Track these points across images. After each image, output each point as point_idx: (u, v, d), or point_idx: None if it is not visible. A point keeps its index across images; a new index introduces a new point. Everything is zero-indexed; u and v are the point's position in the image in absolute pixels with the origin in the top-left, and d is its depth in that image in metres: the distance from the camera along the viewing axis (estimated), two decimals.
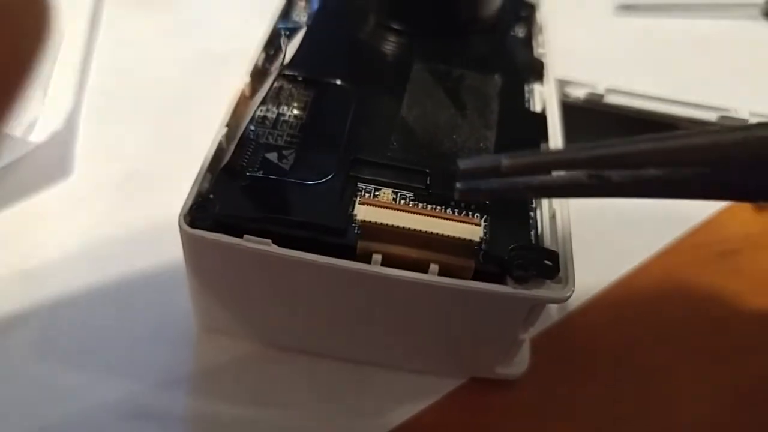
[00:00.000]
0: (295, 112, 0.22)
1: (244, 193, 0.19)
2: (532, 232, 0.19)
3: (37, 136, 0.26)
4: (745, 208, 0.29)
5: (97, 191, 0.27)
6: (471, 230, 0.18)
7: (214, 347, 0.22)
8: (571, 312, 0.24)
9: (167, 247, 0.24)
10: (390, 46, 0.25)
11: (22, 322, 0.22)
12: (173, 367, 0.22)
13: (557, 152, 0.17)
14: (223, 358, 0.22)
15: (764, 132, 0.15)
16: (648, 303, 0.25)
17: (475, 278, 0.18)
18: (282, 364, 0.22)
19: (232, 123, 0.21)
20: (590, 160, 0.16)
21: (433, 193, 0.20)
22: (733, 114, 0.27)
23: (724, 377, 0.23)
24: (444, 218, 0.18)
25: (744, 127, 0.15)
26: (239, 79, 0.22)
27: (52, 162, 0.27)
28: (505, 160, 0.16)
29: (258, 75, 0.23)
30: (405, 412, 0.21)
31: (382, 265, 0.18)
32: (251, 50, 0.23)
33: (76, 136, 0.28)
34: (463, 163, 0.17)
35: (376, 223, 0.18)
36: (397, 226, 0.18)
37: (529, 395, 0.22)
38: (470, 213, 0.20)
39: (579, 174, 0.16)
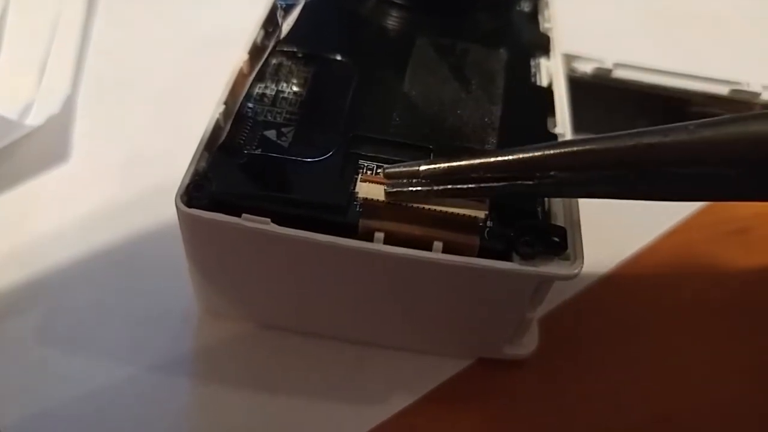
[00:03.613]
0: (295, 88, 0.21)
1: (242, 172, 0.18)
2: (539, 208, 0.19)
3: (34, 120, 0.26)
4: None
5: (96, 174, 0.26)
6: (476, 207, 0.18)
7: (216, 329, 0.22)
8: (580, 291, 0.24)
9: (167, 229, 0.23)
10: (392, 20, 0.24)
11: (21, 307, 0.22)
12: (174, 349, 0.21)
13: (474, 156, 0.17)
14: (225, 340, 0.22)
15: (760, 126, 0.15)
16: (659, 282, 0.25)
17: (480, 255, 0.17)
18: (284, 345, 0.21)
19: (230, 101, 0.21)
20: (513, 164, 0.17)
21: None
22: (744, 87, 0.26)
23: (736, 356, 0.23)
24: None
25: (737, 118, 0.15)
26: (238, 57, 0.22)
27: (50, 146, 0.27)
28: (423, 167, 0.17)
29: (257, 52, 0.22)
30: (411, 395, 0.21)
31: (385, 243, 0.17)
32: (249, 31, 0.23)
33: (74, 120, 0.28)
34: (389, 169, 0.18)
35: (378, 200, 0.18)
36: (400, 204, 0.18)
37: (537, 376, 0.22)
38: None
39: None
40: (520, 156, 0.17)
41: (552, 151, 0.16)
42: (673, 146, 0.15)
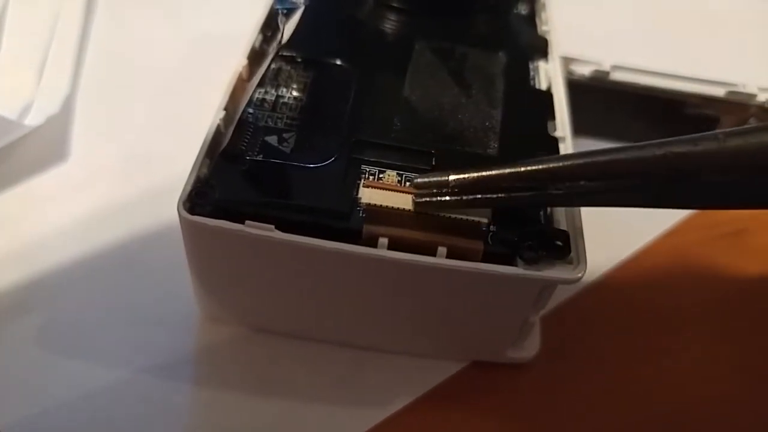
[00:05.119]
0: (295, 93, 0.21)
1: (245, 178, 0.18)
2: (542, 213, 0.19)
3: (33, 120, 0.26)
4: None
5: (95, 175, 0.26)
6: (479, 211, 0.18)
7: (216, 333, 0.22)
8: (578, 292, 0.24)
9: (167, 230, 0.24)
10: (390, 24, 0.24)
11: (21, 307, 0.22)
12: (175, 351, 0.21)
13: (503, 166, 0.17)
14: (226, 343, 0.22)
15: (762, 138, 0.15)
16: (656, 283, 0.25)
17: (484, 260, 0.17)
18: (284, 348, 0.22)
19: (230, 106, 0.20)
20: (542, 173, 0.17)
21: None
22: (740, 89, 0.27)
23: (734, 356, 0.23)
24: None
25: (740, 131, 0.15)
26: (236, 62, 0.22)
27: (49, 146, 0.27)
28: (452, 177, 0.17)
29: (255, 57, 0.22)
30: (409, 396, 0.21)
31: (389, 248, 0.17)
32: (248, 32, 0.23)
33: (73, 120, 0.28)
34: (418, 179, 0.18)
35: (381, 206, 0.18)
36: (403, 209, 0.18)
37: (536, 377, 0.22)
38: None
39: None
40: (550, 166, 0.17)
41: (582, 161, 0.17)
42: (703, 155, 0.15)
